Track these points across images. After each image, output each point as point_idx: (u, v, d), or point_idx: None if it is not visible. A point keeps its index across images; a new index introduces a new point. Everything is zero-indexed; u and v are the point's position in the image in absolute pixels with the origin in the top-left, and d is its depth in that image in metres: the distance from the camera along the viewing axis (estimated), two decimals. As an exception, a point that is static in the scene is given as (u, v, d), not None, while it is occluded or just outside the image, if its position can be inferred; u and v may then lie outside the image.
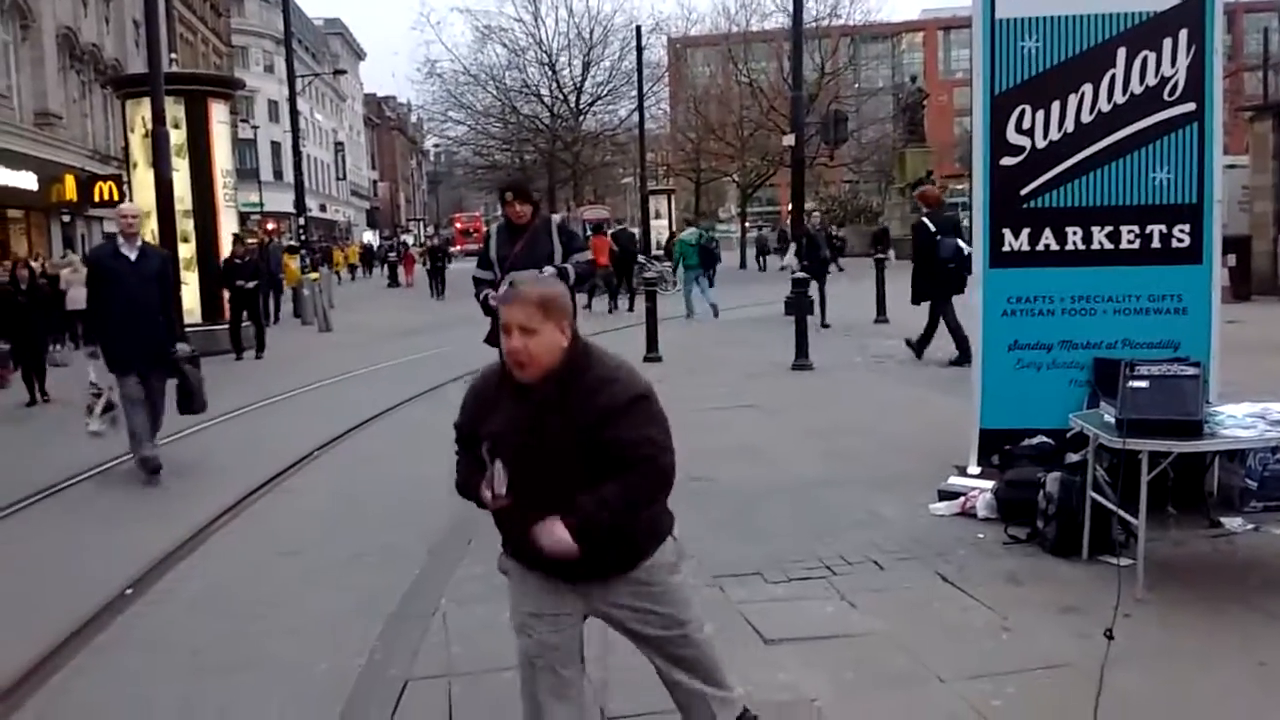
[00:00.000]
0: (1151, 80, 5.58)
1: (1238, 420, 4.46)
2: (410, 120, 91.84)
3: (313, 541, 5.90)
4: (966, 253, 10.75)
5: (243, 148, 43.52)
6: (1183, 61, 5.54)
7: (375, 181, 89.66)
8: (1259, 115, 19.43)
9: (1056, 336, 5.81)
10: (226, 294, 15.94)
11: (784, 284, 16.38)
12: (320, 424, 9.39)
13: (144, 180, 15.92)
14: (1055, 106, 5.65)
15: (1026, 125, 5.70)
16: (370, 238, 65.51)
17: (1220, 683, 3.64)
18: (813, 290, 15.15)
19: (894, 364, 11.57)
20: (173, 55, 26.03)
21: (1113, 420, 4.46)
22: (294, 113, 25.26)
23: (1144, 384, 4.35)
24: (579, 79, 40.20)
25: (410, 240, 61.76)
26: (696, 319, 17.83)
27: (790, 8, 18.98)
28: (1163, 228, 5.67)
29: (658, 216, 39.36)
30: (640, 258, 23.54)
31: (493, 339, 5.50)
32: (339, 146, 69.54)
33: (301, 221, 25.63)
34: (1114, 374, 4.52)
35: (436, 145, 60.12)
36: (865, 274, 18.11)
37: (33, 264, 15.25)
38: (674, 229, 35.22)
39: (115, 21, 31.60)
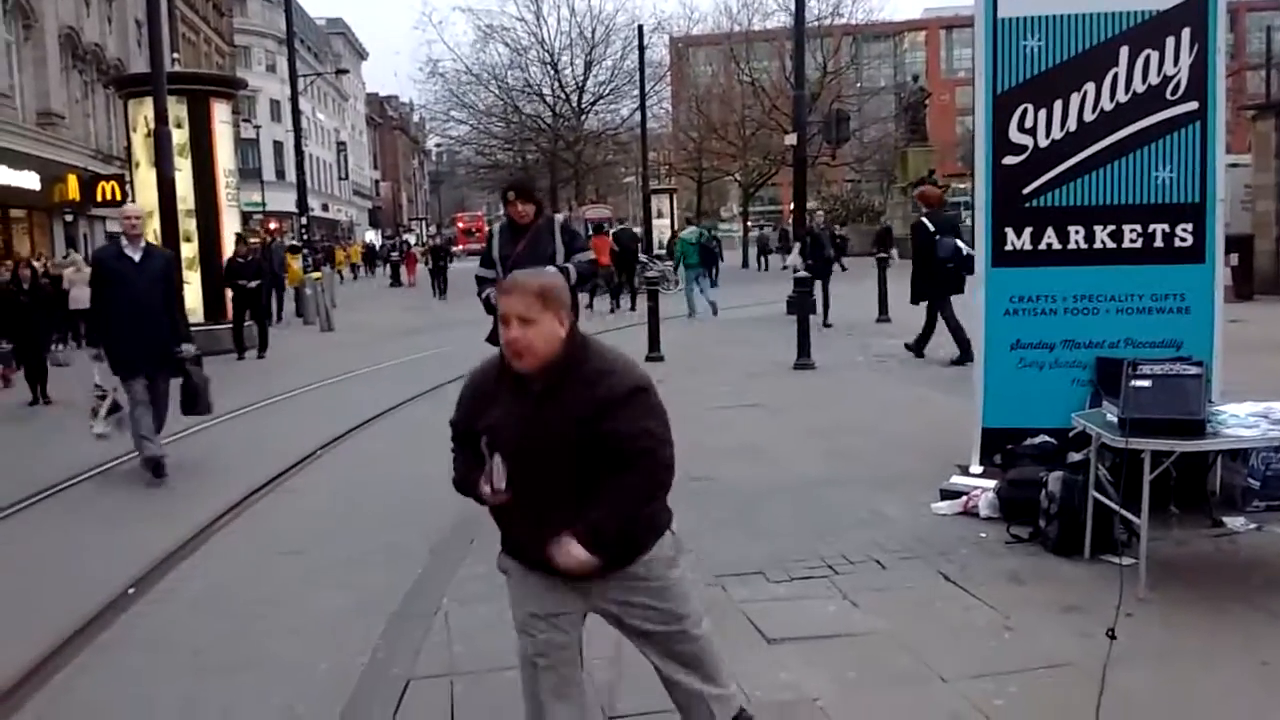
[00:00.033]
0: (1154, 79, 5.57)
1: (1240, 419, 4.46)
2: (412, 120, 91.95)
3: (315, 541, 5.90)
4: (965, 253, 10.84)
5: (245, 147, 43.65)
6: (1185, 60, 5.53)
7: (377, 181, 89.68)
8: (1261, 114, 19.41)
9: (1059, 336, 5.81)
10: (230, 293, 15.96)
11: (786, 283, 16.41)
12: (322, 423, 9.39)
13: (146, 180, 15.95)
14: (1058, 105, 5.65)
15: (1029, 124, 5.70)
16: (372, 237, 65.55)
17: (1223, 682, 3.63)
18: (816, 289, 15.18)
19: (896, 363, 11.57)
20: (175, 55, 26.08)
21: (1115, 419, 4.46)
22: (296, 112, 25.29)
23: (1146, 383, 4.35)
24: (581, 78, 40.23)
25: (412, 240, 61.83)
26: (698, 318, 17.84)
27: (792, 7, 19.00)
28: (1165, 227, 5.67)
29: (660, 216, 39.37)
30: (642, 257, 23.56)
31: (495, 338, 5.48)
32: (341, 146, 69.55)
33: (304, 221, 25.67)
34: (1116, 373, 4.51)
35: (438, 145, 60.14)
36: (867, 273, 18.10)
37: (35, 264, 15.26)
38: (676, 228, 35.21)
39: (118, 21, 31.63)
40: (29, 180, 23.31)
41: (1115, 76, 5.59)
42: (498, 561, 2.91)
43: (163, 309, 7.28)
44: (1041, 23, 5.64)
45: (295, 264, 23.43)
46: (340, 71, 58.05)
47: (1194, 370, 4.39)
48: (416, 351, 14.89)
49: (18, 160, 22.72)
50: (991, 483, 5.65)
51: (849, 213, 42.59)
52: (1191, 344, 5.43)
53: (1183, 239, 5.66)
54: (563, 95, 40.17)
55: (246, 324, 15.83)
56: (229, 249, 16.49)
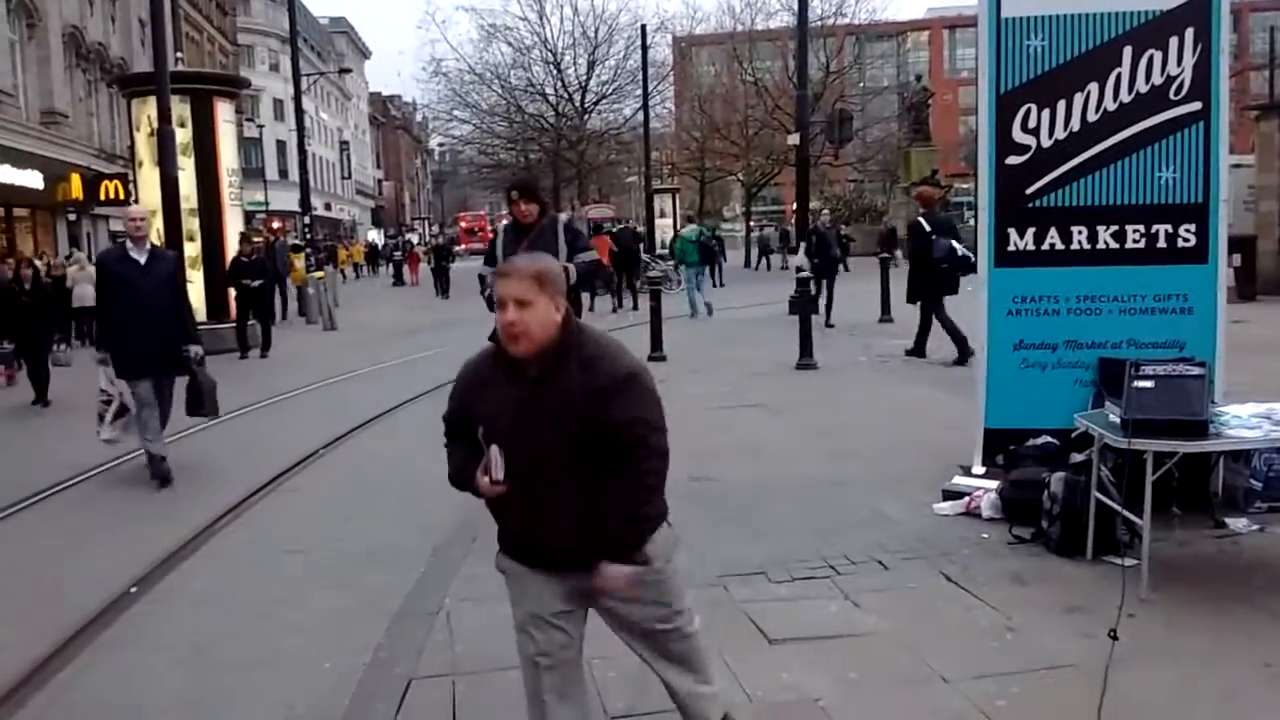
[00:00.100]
0: (1158, 79, 5.56)
1: (1243, 420, 4.45)
2: (415, 119, 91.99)
3: (317, 540, 5.90)
4: (960, 253, 10.91)
5: (248, 146, 43.67)
6: (1189, 60, 5.53)
7: (380, 180, 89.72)
8: (1265, 114, 19.40)
9: (1062, 336, 5.81)
10: (233, 292, 15.97)
11: (788, 283, 16.40)
12: (325, 422, 9.40)
13: (149, 179, 15.98)
14: (1061, 105, 5.64)
15: (1032, 124, 5.69)
16: (375, 236, 65.55)
17: (1225, 683, 3.63)
18: (821, 288, 15.19)
19: (898, 363, 11.57)
20: (178, 54, 26.17)
21: (1118, 420, 4.45)
22: (299, 111, 25.29)
23: (1149, 384, 4.35)
24: (584, 78, 40.17)
25: (415, 239, 61.83)
26: (700, 317, 17.87)
27: (795, 6, 18.96)
28: (1168, 227, 5.66)
29: (663, 215, 39.32)
30: (644, 256, 23.54)
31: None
32: (344, 145, 69.58)
33: (307, 220, 25.70)
34: (1119, 374, 4.51)
35: (441, 144, 60.13)
36: (869, 273, 18.10)
37: (37, 263, 15.26)
38: (678, 228, 35.19)
39: (121, 20, 31.65)
40: (32, 179, 23.34)
41: (1118, 77, 5.58)
42: (496, 561, 2.90)
43: (168, 311, 7.21)
44: (1045, 23, 5.64)
45: (299, 263, 23.45)
46: (343, 71, 57.96)
47: (1196, 371, 4.39)
48: (419, 351, 14.90)
49: (21, 159, 22.74)
50: (994, 483, 5.65)
51: (851, 213, 42.54)
52: (1194, 345, 5.43)
53: (1185, 239, 5.66)
54: (565, 95, 40.14)
55: (250, 323, 15.84)
56: (232, 248, 16.48)
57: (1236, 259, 15.24)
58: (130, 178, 21.22)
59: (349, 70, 60.97)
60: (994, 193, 5.81)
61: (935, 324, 11.51)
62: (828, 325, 15.23)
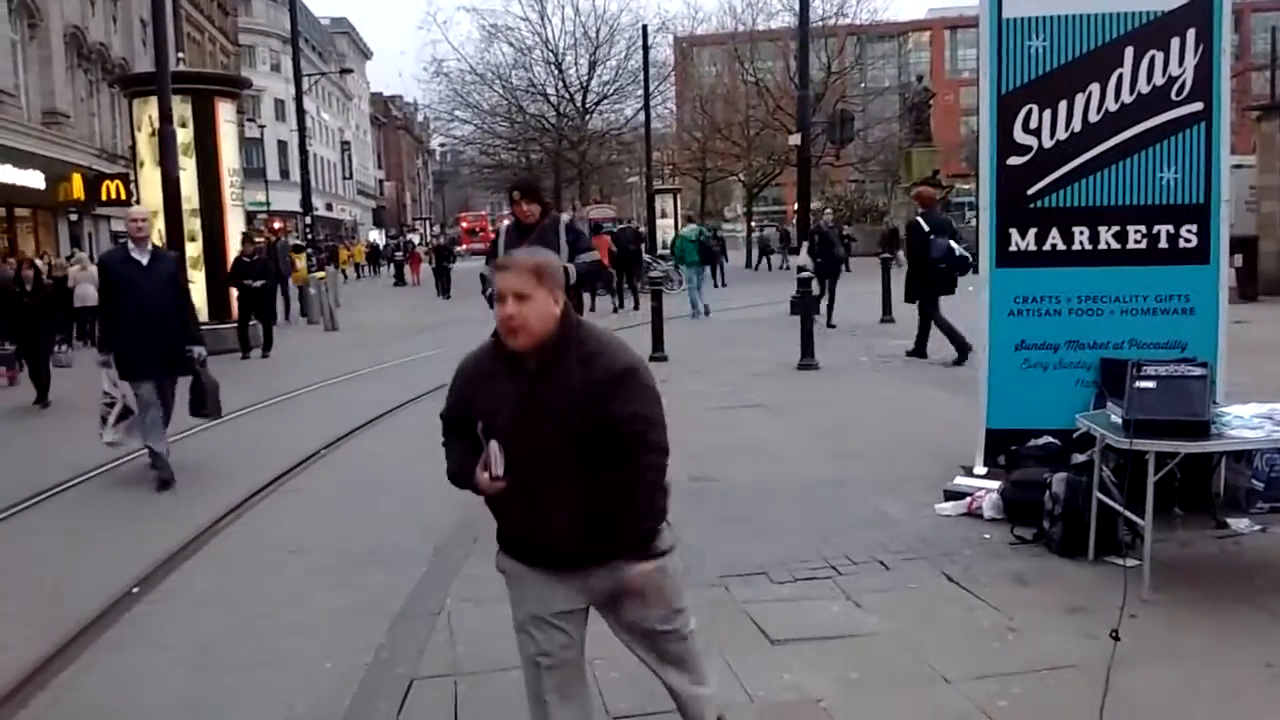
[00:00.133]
0: (1159, 80, 5.56)
1: (1244, 421, 4.45)
2: (417, 119, 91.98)
3: (319, 540, 5.91)
4: (958, 254, 10.95)
5: (249, 147, 43.69)
6: (1190, 61, 5.53)
7: (381, 180, 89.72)
8: (1266, 115, 19.38)
9: (1063, 336, 5.81)
10: (235, 292, 15.98)
11: (789, 283, 16.39)
12: (326, 423, 9.40)
13: (151, 179, 15.98)
14: (1062, 106, 5.65)
15: (1033, 125, 5.69)
16: (376, 237, 65.57)
17: (1227, 683, 3.63)
18: (823, 288, 15.20)
19: (899, 364, 11.58)
20: (180, 54, 26.15)
21: (1119, 420, 4.46)
22: (300, 112, 25.29)
23: (1151, 384, 4.35)
24: (585, 78, 40.14)
25: (416, 239, 61.86)
26: (701, 317, 17.86)
27: (797, 7, 18.93)
28: (1170, 228, 5.66)
29: (664, 216, 39.32)
30: (645, 256, 23.54)
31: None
32: (345, 145, 69.58)
33: (308, 220, 25.69)
34: (1121, 374, 4.51)
35: (443, 144, 60.12)
36: (871, 273, 18.10)
37: (38, 263, 15.27)
38: (679, 228, 35.18)
39: (123, 20, 31.67)
40: (34, 179, 23.35)
41: (1120, 77, 5.58)
42: (496, 561, 2.90)
43: (171, 312, 7.20)
44: (1046, 23, 5.64)
45: (301, 263, 23.45)
46: (345, 71, 57.93)
47: (1198, 371, 4.38)
48: (420, 351, 14.89)
49: (22, 159, 22.76)
50: (995, 484, 5.65)
51: (853, 213, 42.52)
52: (1196, 345, 5.43)
53: (1187, 240, 5.66)
54: (567, 95, 40.12)
55: (251, 323, 15.85)
56: (233, 248, 16.49)
57: (1238, 259, 15.24)
58: (132, 178, 21.23)
59: (350, 70, 60.95)
60: (995, 193, 5.81)
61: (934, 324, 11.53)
62: (829, 325, 15.23)
